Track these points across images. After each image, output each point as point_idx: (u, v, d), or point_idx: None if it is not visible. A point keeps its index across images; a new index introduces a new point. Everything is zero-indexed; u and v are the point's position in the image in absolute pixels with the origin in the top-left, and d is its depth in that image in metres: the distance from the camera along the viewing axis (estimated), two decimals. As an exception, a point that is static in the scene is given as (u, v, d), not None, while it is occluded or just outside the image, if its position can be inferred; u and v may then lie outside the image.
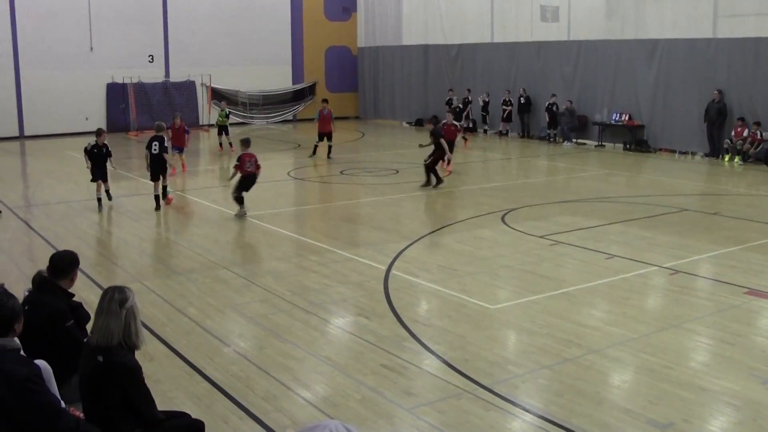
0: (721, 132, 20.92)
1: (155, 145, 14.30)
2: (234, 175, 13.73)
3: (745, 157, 20.08)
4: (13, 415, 4.05)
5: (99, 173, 14.37)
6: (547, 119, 25.59)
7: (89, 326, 5.13)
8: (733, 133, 20.46)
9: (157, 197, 14.41)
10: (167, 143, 14.86)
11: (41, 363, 4.47)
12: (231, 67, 31.52)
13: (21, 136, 27.83)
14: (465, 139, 22.95)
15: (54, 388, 4.58)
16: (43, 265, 5.80)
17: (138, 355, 4.66)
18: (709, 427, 5.79)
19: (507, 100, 26.96)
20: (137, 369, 4.52)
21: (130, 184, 17.34)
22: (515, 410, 6.04)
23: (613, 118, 23.80)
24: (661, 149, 22.73)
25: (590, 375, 6.68)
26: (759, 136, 19.91)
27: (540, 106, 26.09)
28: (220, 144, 23.60)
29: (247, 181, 13.64)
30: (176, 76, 30.62)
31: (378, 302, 8.75)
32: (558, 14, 25.08)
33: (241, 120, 31.59)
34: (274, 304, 8.74)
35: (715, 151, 21.09)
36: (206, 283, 9.60)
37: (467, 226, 12.92)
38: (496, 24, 27.86)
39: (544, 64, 26.15)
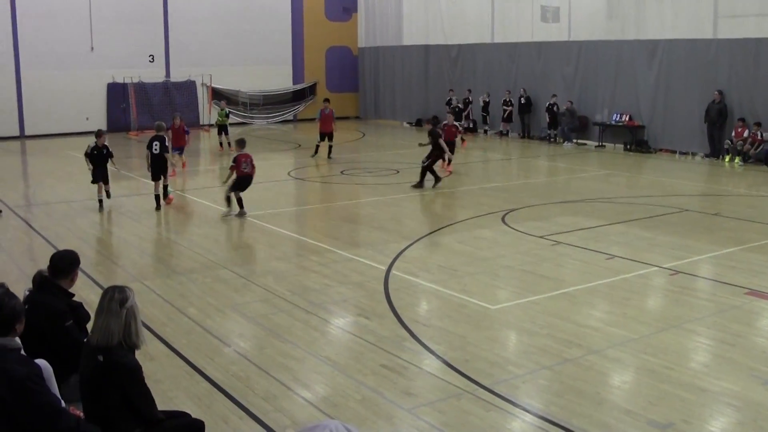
0: (721, 133, 20.92)
1: (156, 144, 14.30)
2: (230, 176, 13.72)
3: (746, 158, 20.08)
4: (14, 415, 4.05)
5: (99, 175, 14.32)
6: (548, 119, 25.60)
7: (89, 326, 5.13)
8: (733, 134, 20.46)
9: (157, 197, 14.41)
10: (168, 143, 14.86)
11: (42, 362, 4.47)
12: (231, 67, 31.53)
13: (22, 136, 27.84)
14: (463, 140, 22.84)
15: (54, 387, 4.58)
16: (43, 264, 5.81)
17: (138, 355, 4.66)
18: (710, 428, 5.78)
19: (507, 100, 26.95)
20: (137, 369, 4.52)
21: (131, 183, 17.35)
22: (515, 411, 6.04)
23: (614, 118, 23.80)
24: (661, 150, 22.73)
25: (590, 375, 6.68)
26: (759, 137, 19.91)
27: (540, 106, 26.09)
28: (221, 144, 23.61)
29: (244, 181, 13.64)
30: (177, 76, 30.63)
31: (378, 302, 8.75)
32: (558, 15, 25.09)
33: (241, 120, 31.60)
34: (274, 304, 8.74)
35: (716, 151, 21.09)
36: (206, 283, 9.61)
37: (467, 226, 12.92)
38: (496, 24, 27.86)
39: (545, 65, 26.15)
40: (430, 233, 12.48)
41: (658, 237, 11.88)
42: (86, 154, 14.40)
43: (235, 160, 13.60)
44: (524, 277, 9.81)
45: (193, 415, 5.11)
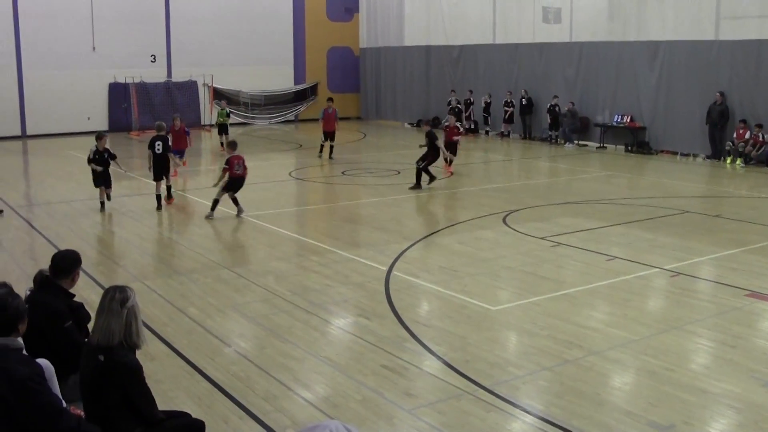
0: (722, 134, 20.92)
1: (159, 144, 14.28)
2: (221, 177, 13.72)
3: (747, 160, 20.07)
4: (15, 415, 4.05)
5: (101, 179, 14.13)
6: (549, 121, 25.59)
7: (90, 326, 5.14)
8: (734, 135, 20.45)
9: (158, 197, 14.41)
10: (170, 143, 14.85)
11: (44, 362, 4.48)
12: (233, 68, 31.55)
13: (23, 136, 27.87)
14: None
15: (56, 387, 4.59)
16: (44, 264, 5.81)
17: (139, 355, 4.67)
18: (710, 430, 5.78)
19: (509, 101, 26.96)
20: (138, 368, 4.52)
21: (132, 183, 17.36)
22: (516, 411, 6.04)
23: (615, 119, 23.80)
24: (662, 151, 22.72)
25: (591, 377, 6.68)
26: (761, 139, 19.90)
27: (542, 107, 26.09)
28: (222, 144, 23.59)
29: (236, 183, 13.64)
30: (178, 76, 30.65)
31: (379, 303, 8.75)
32: (560, 16, 25.10)
33: (242, 120, 31.62)
34: (274, 304, 8.74)
35: (717, 153, 21.08)
36: (207, 283, 9.61)
37: (468, 227, 12.92)
38: (498, 25, 27.86)
39: (546, 66, 26.15)
40: (431, 234, 12.48)
41: (659, 238, 11.88)
42: (89, 160, 14.10)
43: (228, 162, 13.59)
44: (525, 278, 9.81)
45: (194, 415, 5.12)
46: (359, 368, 6.87)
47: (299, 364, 7.02)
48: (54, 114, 28.21)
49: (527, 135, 26.83)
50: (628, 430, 5.70)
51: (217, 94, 30.90)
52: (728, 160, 20.60)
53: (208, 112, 30.78)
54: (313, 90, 34.24)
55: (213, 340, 7.66)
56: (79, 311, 5.66)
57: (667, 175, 18.88)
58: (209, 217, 13.45)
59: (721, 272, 10.04)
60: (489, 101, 27.87)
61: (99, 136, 14.39)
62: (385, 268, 10.15)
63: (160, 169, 14.34)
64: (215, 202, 13.55)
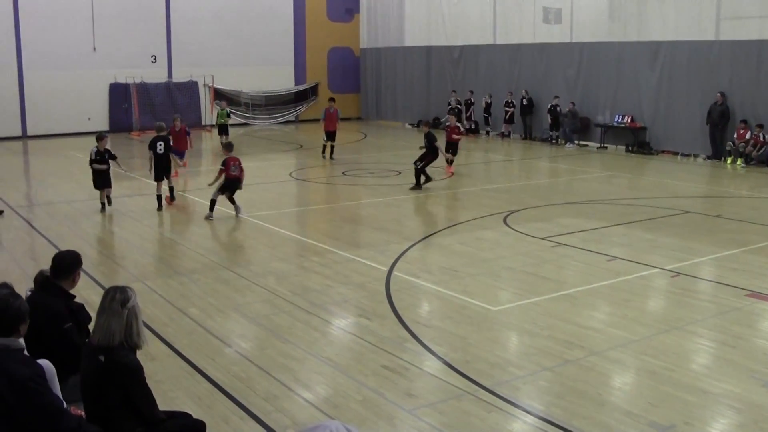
0: (723, 134, 20.92)
1: (160, 145, 14.29)
2: (217, 178, 13.72)
3: (748, 160, 20.07)
4: (15, 415, 4.06)
5: (101, 180, 14.13)
6: (550, 121, 25.60)
7: (91, 326, 5.14)
8: (735, 136, 20.45)
9: (159, 197, 14.42)
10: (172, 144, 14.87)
11: (44, 363, 4.48)
12: (233, 68, 31.56)
13: (24, 136, 27.88)
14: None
15: (57, 388, 4.58)
16: (45, 264, 5.81)
17: (139, 355, 4.67)
18: (711, 430, 5.78)
19: (509, 101, 26.96)
20: (139, 369, 4.52)
21: (133, 184, 17.36)
22: (516, 412, 6.04)
23: (616, 120, 23.80)
24: (663, 151, 22.72)
25: (591, 377, 6.68)
26: (761, 139, 19.90)
27: (542, 107, 26.09)
28: (222, 144, 23.59)
29: (232, 184, 13.65)
30: (179, 77, 30.66)
31: (379, 303, 8.75)
32: (560, 16, 25.10)
33: (243, 121, 31.63)
34: (275, 304, 8.74)
35: (718, 153, 21.08)
36: (208, 284, 9.62)
37: (469, 227, 12.92)
38: (498, 26, 27.87)
39: (547, 66, 26.15)
40: (432, 234, 12.48)
41: (659, 239, 11.88)
42: (91, 161, 14.08)
43: (224, 164, 13.61)
44: (525, 278, 9.81)
45: (194, 416, 5.11)
46: (360, 368, 6.88)
47: (300, 364, 7.03)
48: (54, 114, 28.22)
49: (528, 135, 26.84)
50: (628, 430, 5.70)
51: (218, 95, 30.91)
52: (729, 161, 20.60)
53: (209, 113, 30.79)
54: (313, 90, 34.25)
55: (213, 340, 7.66)
56: (80, 313, 5.65)
57: (667, 176, 18.88)
58: (209, 217, 13.46)
59: (722, 272, 10.04)
60: (489, 101, 27.88)
61: (99, 136, 14.38)
62: (385, 269, 10.15)
63: (161, 169, 14.35)
64: (212, 203, 13.57)
